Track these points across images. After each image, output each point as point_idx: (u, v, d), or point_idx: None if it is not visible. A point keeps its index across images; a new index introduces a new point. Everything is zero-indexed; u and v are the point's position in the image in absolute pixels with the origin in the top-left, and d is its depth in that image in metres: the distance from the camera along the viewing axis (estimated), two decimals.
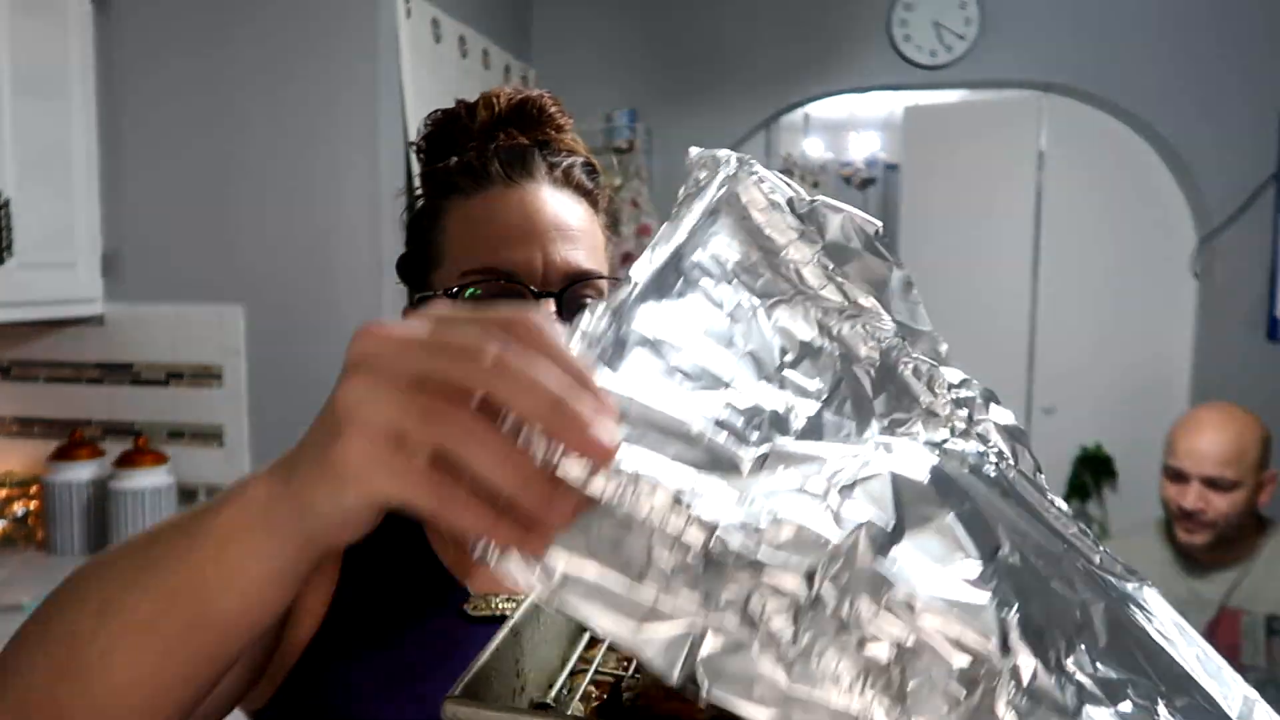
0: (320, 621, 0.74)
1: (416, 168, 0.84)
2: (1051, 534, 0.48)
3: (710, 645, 0.36)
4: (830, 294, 0.53)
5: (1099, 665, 0.39)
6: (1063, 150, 3.50)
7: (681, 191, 0.51)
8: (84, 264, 2.30)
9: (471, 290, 0.73)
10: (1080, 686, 0.38)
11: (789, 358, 0.49)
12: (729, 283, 0.50)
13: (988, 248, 3.61)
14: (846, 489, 0.40)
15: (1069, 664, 0.38)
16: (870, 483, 0.41)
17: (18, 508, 2.34)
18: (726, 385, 0.44)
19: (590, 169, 0.83)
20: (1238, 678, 0.45)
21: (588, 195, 0.81)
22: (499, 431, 0.37)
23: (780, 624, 0.36)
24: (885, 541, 0.38)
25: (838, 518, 0.38)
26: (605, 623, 0.36)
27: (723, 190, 0.52)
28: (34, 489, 2.36)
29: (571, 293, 0.73)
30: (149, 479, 2.25)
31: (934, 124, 3.80)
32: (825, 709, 0.35)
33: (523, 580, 0.37)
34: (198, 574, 0.46)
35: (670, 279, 0.47)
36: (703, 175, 0.53)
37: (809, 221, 0.54)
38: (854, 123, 5.00)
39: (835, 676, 0.36)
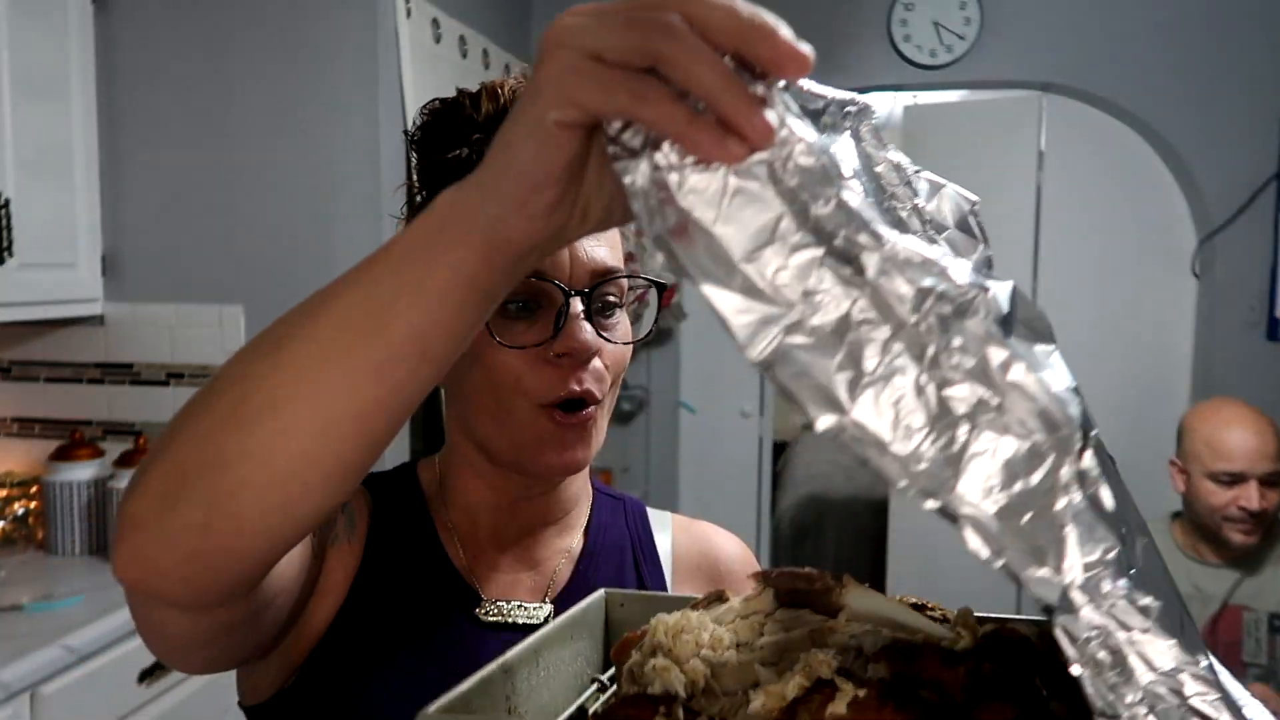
0: (341, 602, 0.74)
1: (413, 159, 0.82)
2: None
3: (797, 339, 0.35)
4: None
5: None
6: (1063, 150, 3.50)
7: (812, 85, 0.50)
8: (84, 264, 2.30)
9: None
10: (1125, 520, 0.38)
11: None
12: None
13: None
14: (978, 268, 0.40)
15: (1108, 494, 0.38)
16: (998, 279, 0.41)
17: (18, 508, 2.34)
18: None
19: None
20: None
21: None
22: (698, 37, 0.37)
23: (871, 343, 0.36)
24: (1001, 315, 0.37)
25: (963, 273, 0.38)
26: (710, 287, 0.36)
27: (853, 123, 0.52)
28: (34, 489, 2.36)
29: (598, 292, 0.72)
30: None
31: (934, 124, 3.80)
32: (875, 440, 0.35)
33: (692, 193, 0.37)
34: (378, 290, 0.44)
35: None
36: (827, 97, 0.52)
37: (909, 187, 0.55)
38: None
39: (898, 410, 0.35)
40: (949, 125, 3.75)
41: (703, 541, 0.88)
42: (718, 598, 0.56)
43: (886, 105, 4.71)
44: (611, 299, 0.74)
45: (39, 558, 2.27)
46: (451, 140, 0.77)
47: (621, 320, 0.75)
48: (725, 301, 0.36)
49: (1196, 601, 2.02)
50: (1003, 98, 3.61)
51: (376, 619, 0.74)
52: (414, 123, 0.80)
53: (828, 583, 0.51)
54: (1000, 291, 0.38)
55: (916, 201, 0.54)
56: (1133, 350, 3.45)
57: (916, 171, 0.55)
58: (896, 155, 0.55)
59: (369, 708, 0.71)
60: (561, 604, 0.79)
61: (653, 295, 0.80)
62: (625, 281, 0.75)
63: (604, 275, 0.72)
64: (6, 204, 2.01)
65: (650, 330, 0.79)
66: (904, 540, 3.78)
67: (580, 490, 0.84)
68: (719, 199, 0.37)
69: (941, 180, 0.56)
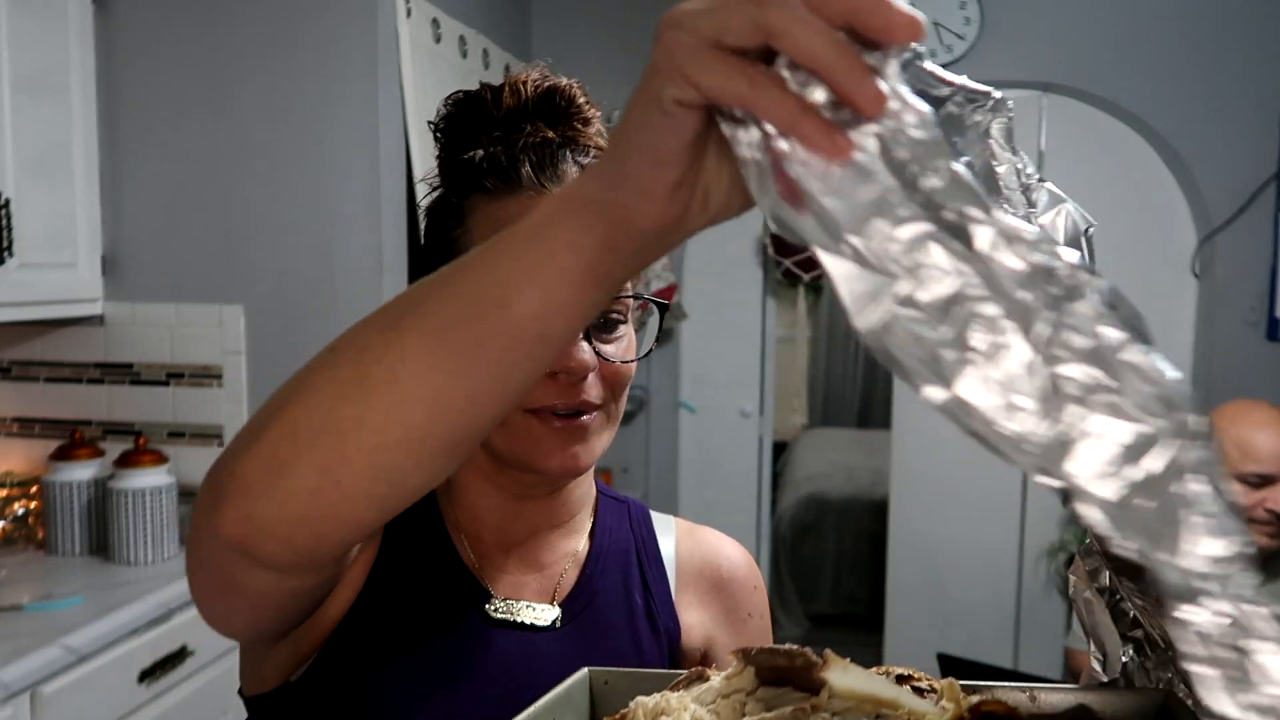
0: (357, 595, 0.74)
1: (423, 149, 0.82)
2: None
3: (907, 311, 0.35)
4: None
5: None
6: (1063, 150, 3.50)
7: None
8: (84, 264, 2.30)
9: None
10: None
11: None
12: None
13: None
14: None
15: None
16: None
17: (18, 508, 2.34)
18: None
19: None
20: None
21: None
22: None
23: (980, 319, 0.35)
24: (1109, 301, 0.36)
25: (1073, 255, 0.37)
26: (824, 254, 0.36)
27: (985, 117, 0.52)
28: (34, 489, 2.36)
29: (604, 311, 0.73)
30: (149, 479, 2.25)
31: None
32: (983, 417, 0.34)
33: (802, 165, 0.37)
34: (498, 270, 0.45)
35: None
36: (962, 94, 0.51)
37: (1026, 194, 0.54)
38: None
39: (1008, 387, 0.34)
40: None
41: (705, 547, 0.89)
42: (698, 677, 0.56)
43: None
44: (615, 316, 0.75)
45: (39, 558, 2.27)
46: (472, 133, 0.77)
47: (626, 335, 0.76)
48: (838, 268, 0.36)
49: None
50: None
51: (389, 613, 0.74)
52: (438, 113, 0.80)
53: (809, 659, 0.50)
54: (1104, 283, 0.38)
55: (1031, 212, 0.54)
56: None
57: (1040, 180, 0.55)
58: (1023, 160, 0.54)
59: (379, 700, 0.72)
60: (568, 607, 0.79)
61: (654, 313, 0.81)
62: (630, 300, 0.76)
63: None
64: (6, 204, 2.01)
65: (650, 349, 0.79)
66: (904, 540, 3.78)
67: (586, 493, 0.84)
68: (827, 170, 0.37)
69: (1063, 195, 0.55)
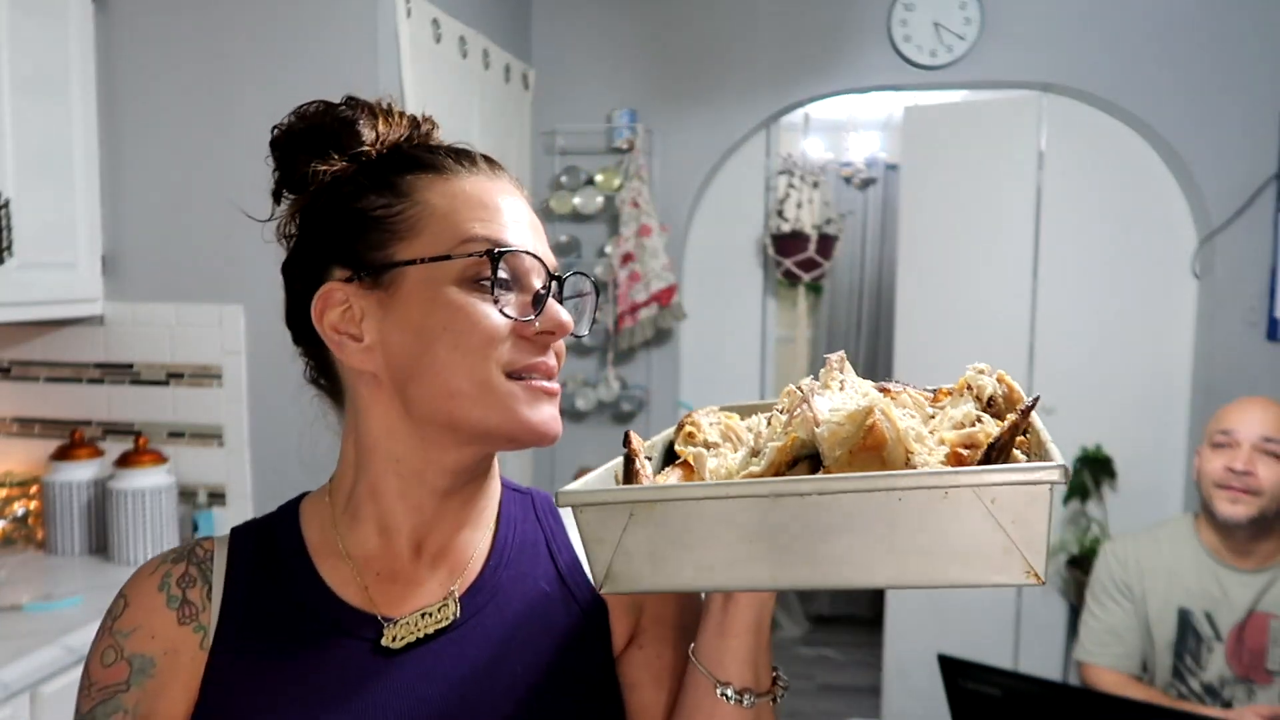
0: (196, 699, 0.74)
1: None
2: None
3: None
4: None
5: None
6: (1063, 150, 3.50)
7: None
8: (84, 264, 2.30)
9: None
10: None
11: None
12: None
13: (988, 248, 3.61)
14: None
15: None
16: None
17: (18, 508, 2.34)
18: None
19: None
20: None
21: None
22: None
23: None
24: None
25: None
26: None
27: None
28: (34, 489, 2.36)
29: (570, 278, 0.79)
30: (149, 479, 2.25)
31: (934, 124, 3.80)
32: None
33: None
34: None
35: None
36: None
37: None
38: (854, 123, 5.00)
39: None
40: (949, 125, 3.75)
41: None
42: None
43: (887, 105, 4.71)
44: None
45: (39, 558, 2.27)
46: (324, 149, 0.78)
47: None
48: None
49: (1224, 607, 2.01)
50: (1003, 98, 3.61)
51: (256, 706, 0.72)
52: (282, 124, 0.81)
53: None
54: None
55: None
56: (1133, 350, 3.45)
57: None
58: None
59: None
60: (469, 601, 0.77)
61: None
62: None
63: (559, 275, 0.78)
64: (6, 204, 2.01)
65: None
66: None
67: (494, 487, 0.84)
68: None
69: None
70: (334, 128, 0.80)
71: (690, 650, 0.74)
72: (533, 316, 0.73)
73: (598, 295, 0.84)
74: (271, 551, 0.79)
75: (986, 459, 0.61)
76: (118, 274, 2.40)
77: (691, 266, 3.71)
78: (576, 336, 0.78)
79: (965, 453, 0.63)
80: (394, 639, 0.74)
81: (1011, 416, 0.63)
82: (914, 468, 0.61)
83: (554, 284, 0.75)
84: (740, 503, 0.59)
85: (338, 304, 0.75)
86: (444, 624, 0.75)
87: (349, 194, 0.76)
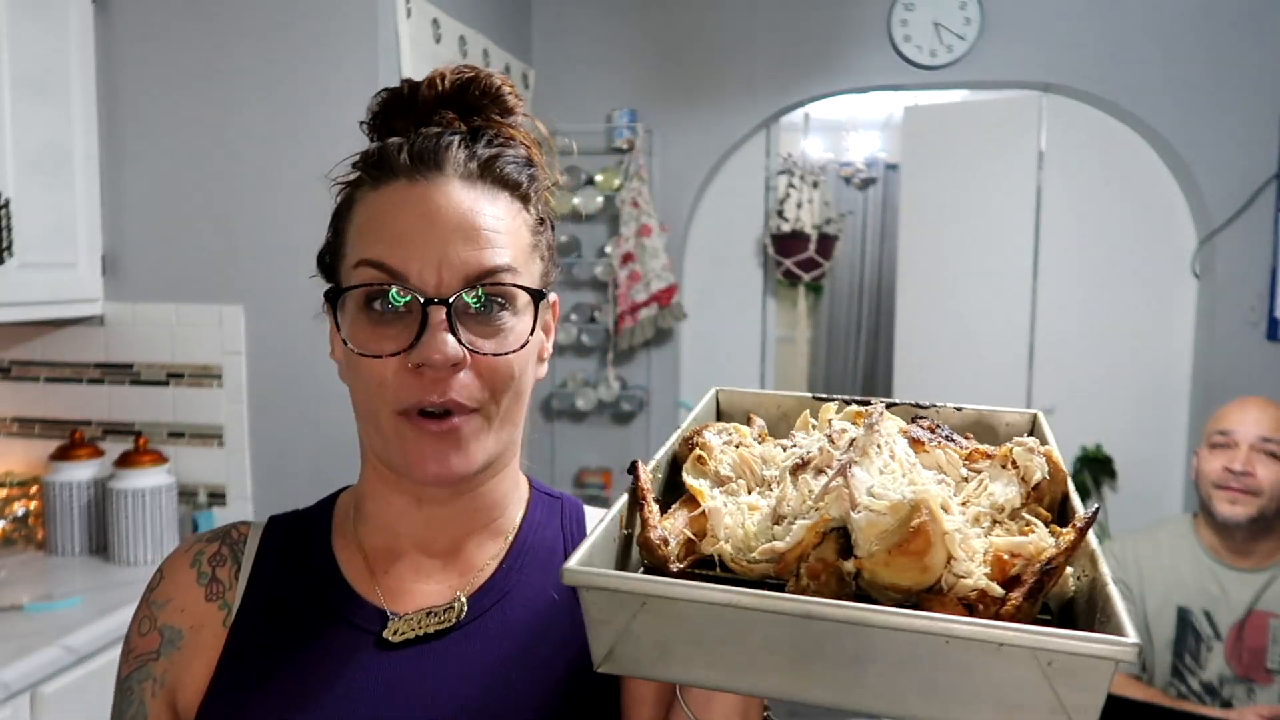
0: (218, 661, 0.75)
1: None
2: None
3: None
4: None
5: None
6: (1063, 150, 3.50)
7: None
8: (84, 264, 2.30)
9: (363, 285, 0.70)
10: None
11: None
12: None
13: (988, 247, 3.61)
14: None
15: None
16: None
17: (18, 508, 2.34)
18: None
19: (524, 161, 0.76)
20: None
21: (512, 188, 0.75)
22: None
23: None
24: None
25: None
26: None
27: None
28: (34, 489, 2.36)
29: (484, 297, 0.70)
30: (149, 479, 2.25)
31: (934, 124, 3.80)
32: None
33: None
34: None
35: None
36: None
37: None
38: (854, 123, 5.00)
39: None
40: (949, 125, 3.75)
41: None
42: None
43: (887, 105, 4.71)
44: (498, 302, 0.70)
45: (39, 558, 2.27)
46: (393, 126, 0.77)
47: (510, 328, 0.71)
48: None
49: (1223, 606, 2.01)
50: (1003, 98, 3.61)
51: (270, 670, 0.73)
52: (369, 109, 0.80)
53: None
54: None
55: None
56: (1133, 350, 3.45)
57: None
58: None
59: None
60: (476, 601, 0.77)
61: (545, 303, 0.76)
62: (509, 277, 0.71)
63: (479, 278, 0.69)
64: (6, 204, 2.01)
65: (525, 341, 0.72)
66: None
67: (508, 493, 0.81)
68: None
69: None
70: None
71: (677, 687, 0.68)
72: (403, 350, 0.68)
73: (538, 302, 0.73)
74: (301, 539, 0.80)
75: (1038, 583, 0.56)
76: (118, 274, 2.40)
77: (691, 266, 3.71)
78: (508, 354, 0.70)
79: (1007, 559, 0.58)
80: (395, 633, 0.74)
81: (1068, 536, 0.58)
82: (955, 576, 0.57)
83: (439, 308, 0.68)
84: (769, 615, 0.54)
85: (327, 313, 0.76)
86: (447, 624, 0.75)
87: (340, 202, 0.78)
